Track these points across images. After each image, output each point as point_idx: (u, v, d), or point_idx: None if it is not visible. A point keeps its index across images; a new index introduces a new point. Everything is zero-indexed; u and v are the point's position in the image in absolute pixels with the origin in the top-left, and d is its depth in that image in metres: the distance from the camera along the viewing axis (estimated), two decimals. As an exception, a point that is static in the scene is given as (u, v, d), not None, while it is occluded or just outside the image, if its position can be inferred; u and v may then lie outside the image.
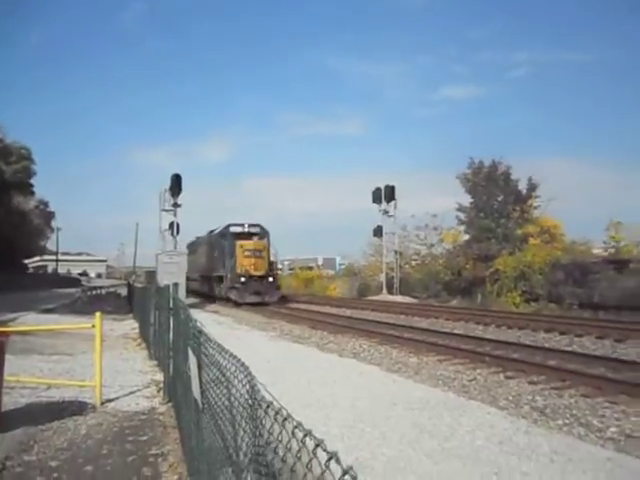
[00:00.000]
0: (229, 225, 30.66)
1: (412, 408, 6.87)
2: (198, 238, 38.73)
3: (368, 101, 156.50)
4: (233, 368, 2.01)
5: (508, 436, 5.71)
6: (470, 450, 5.26)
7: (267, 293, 27.87)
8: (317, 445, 1.16)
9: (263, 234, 30.71)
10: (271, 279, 28.65)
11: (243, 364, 1.87)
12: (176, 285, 8.01)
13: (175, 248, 29.20)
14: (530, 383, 8.51)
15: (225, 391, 2.21)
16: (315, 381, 8.59)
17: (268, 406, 1.51)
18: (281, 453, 1.45)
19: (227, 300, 28.76)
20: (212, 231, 34.01)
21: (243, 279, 27.50)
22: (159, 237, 29.72)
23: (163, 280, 20.89)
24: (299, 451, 1.26)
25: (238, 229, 30.16)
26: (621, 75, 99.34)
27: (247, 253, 28.32)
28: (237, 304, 27.05)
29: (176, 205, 29.55)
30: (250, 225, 30.62)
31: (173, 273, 25.20)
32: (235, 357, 2.02)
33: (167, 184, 29.49)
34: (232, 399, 2.09)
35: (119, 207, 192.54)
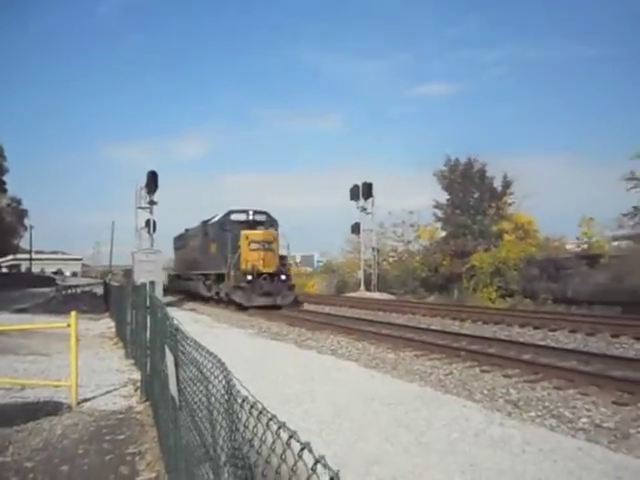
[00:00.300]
0: (230, 212, 25.77)
1: (389, 403, 6.95)
2: (188, 230, 33.86)
3: (347, 97, 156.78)
4: (210, 365, 2.04)
5: (483, 429, 5.83)
6: (446, 443, 5.36)
7: (279, 294, 23.19)
8: (291, 436, 1.20)
9: (271, 223, 25.88)
10: (284, 277, 23.86)
11: (219, 360, 1.90)
12: (153, 283, 7.98)
13: (151, 246, 28.85)
14: (505, 377, 8.68)
15: (202, 387, 2.23)
16: (294, 377, 8.64)
17: (244, 400, 1.54)
18: (257, 446, 1.48)
19: (228, 303, 24.43)
20: (207, 220, 28.65)
21: (250, 277, 22.78)
22: (135, 235, 29.39)
23: (140, 278, 20.69)
24: (274, 443, 1.30)
25: (241, 217, 25.38)
26: (596, 74, 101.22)
27: (254, 245, 23.49)
28: (243, 308, 22.71)
29: (152, 203, 29.20)
30: (255, 212, 25.76)
31: (150, 271, 24.94)
32: (211, 354, 2.05)
33: (143, 181, 29.14)
34: (209, 395, 2.12)
35: (95, 205, 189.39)
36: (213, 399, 2.01)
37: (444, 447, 5.23)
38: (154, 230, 29.20)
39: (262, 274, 23.11)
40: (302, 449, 1.14)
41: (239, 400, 1.58)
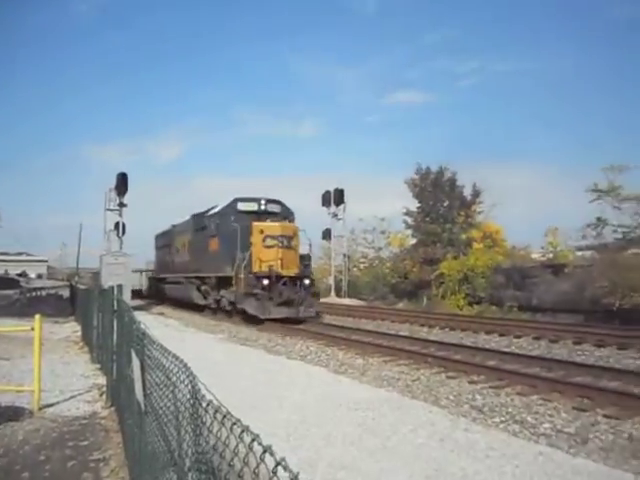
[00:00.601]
0: (236, 200, 21.07)
1: (357, 408, 7.00)
2: (175, 226, 28.98)
3: (323, 103, 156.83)
4: (176, 369, 2.04)
5: (448, 434, 5.92)
6: (411, 448, 5.42)
7: (302, 303, 18.56)
8: (253, 440, 1.23)
9: (286, 215, 21.34)
10: (307, 281, 19.21)
11: (185, 365, 1.91)
12: (120, 287, 7.88)
13: (120, 249, 28.39)
14: (470, 383, 8.82)
15: (168, 392, 2.24)
16: (262, 383, 8.62)
17: (208, 404, 1.56)
18: (221, 449, 1.50)
19: (233, 314, 20.07)
20: (203, 212, 23.64)
21: (266, 281, 18.12)
22: (104, 238, 28.91)
23: (107, 282, 20.36)
24: (236, 446, 1.32)
25: (251, 206, 20.80)
26: (560, 86, 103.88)
27: (270, 241, 18.85)
28: (256, 320, 18.22)
29: (122, 205, 28.78)
30: (268, 201, 21.13)
31: (118, 275, 24.55)
32: (177, 358, 2.06)
33: (113, 183, 28.71)
34: (175, 400, 2.13)
35: (62, 205, 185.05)
36: (179, 404, 2.02)
37: (410, 452, 5.30)
38: (123, 233, 28.76)
39: (282, 278, 18.48)
40: (264, 452, 1.16)
41: (204, 404, 1.60)
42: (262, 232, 19.03)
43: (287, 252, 19.03)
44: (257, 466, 1.21)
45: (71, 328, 17.77)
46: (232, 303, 19.81)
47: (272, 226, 19.34)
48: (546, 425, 6.44)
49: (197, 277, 23.28)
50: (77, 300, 22.61)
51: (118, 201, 28.70)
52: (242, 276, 18.46)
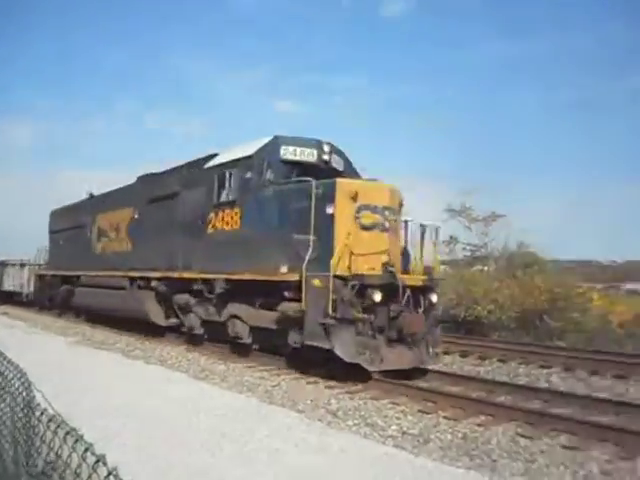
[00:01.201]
0: (277, 141, 11.14)
1: (216, 414, 6.94)
2: (95, 197, 19.80)
3: (209, 103, 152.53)
4: (10, 375, 1.90)
5: (303, 438, 6.08)
6: (267, 452, 5.50)
7: (426, 338, 9.67)
8: (86, 449, 1.19)
9: (355, 176, 11.60)
10: (434, 298, 9.88)
11: (21, 370, 1.78)
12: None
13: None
14: (327, 388, 9.13)
15: None
16: (116, 389, 8.21)
17: (42, 413, 1.48)
18: (54, 460, 1.43)
19: (249, 350, 11.87)
20: (191, 163, 13.58)
21: (378, 297, 8.81)
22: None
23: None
24: (69, 456, 1.27)
25: (306, 154, 11.20)
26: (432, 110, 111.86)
27: (371, 217, 9.60)
28: (359, 370, 9.23)
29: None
30: (332, 148, 11.66)
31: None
32: (12, 363, 1.91)
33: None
34: (10, 410, 1.97)
35: None
36: (11, 413, 1.88)
37: (264, 457, 5.36)
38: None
39: (396, 288, 9.09)
40: (96, 462, 1.13)
41: (37, 413, 1.51)
42: (355, 198, 9.55)
43: (395, 240, 10.20)
44: (89, 476, 1.17)
45: None
46: (258, 329, 11.24)
47: (375, 188, 10.14)
48: (394, 427, 6.86)
49: (164, 279, 13.74)
50: None
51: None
52: (326, 284, 8.84)
